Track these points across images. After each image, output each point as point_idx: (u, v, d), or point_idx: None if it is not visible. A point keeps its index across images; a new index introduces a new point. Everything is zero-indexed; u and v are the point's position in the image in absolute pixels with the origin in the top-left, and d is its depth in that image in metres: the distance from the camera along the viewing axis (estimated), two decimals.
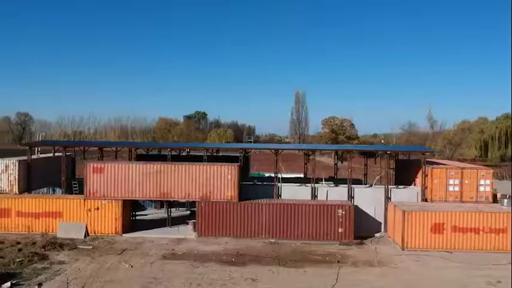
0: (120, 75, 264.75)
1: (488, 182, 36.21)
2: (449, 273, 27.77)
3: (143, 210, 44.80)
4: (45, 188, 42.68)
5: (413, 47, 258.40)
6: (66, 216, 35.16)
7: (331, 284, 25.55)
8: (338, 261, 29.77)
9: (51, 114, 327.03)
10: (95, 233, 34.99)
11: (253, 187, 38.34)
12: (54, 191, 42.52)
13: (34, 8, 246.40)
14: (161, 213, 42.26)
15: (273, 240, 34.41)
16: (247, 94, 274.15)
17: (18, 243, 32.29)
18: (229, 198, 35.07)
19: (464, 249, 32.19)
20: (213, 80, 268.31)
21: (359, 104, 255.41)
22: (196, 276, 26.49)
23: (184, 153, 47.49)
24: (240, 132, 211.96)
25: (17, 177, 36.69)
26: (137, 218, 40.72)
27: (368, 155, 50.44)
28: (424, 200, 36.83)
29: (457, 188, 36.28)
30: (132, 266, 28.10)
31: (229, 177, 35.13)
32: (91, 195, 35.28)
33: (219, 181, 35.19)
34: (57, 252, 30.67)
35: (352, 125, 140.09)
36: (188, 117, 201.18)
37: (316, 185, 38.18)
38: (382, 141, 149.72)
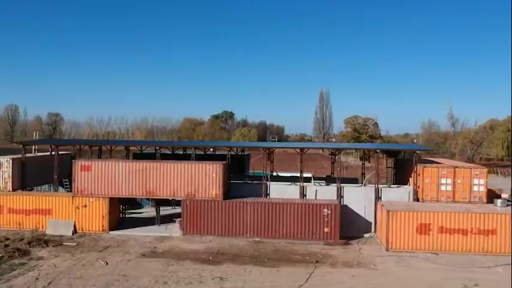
0: (150, 76, 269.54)
1: (482, 181, 34.75)
2: (427, 275, 26.78)
3: (140, 208, 45.14)
4: (46, 185, 43.64)
5: (444, 44, 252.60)
6: (55, 213, 35.75)
7: (299, 284, 25.07)
8: (316, 261, 29.19)
9: (81, 115, 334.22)
10: (82, 230, 35.45)
11: (242, 186, 38.09)
12: (54, 188, 43.27)
13: (66, 14, 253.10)
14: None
15: (257, 239, 34.07)
16: (276, 94, 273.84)
17: (7, 239, 33.04)
18: (214, 196, 34.89)
19: (451, 250, 30.97)
20: (241, 80, 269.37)
21: (390, 104, 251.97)
22: (166, 274, 26.43)
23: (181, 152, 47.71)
24: (266, 132, 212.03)
25: (10, 174, 37.47)
26: (130, 215, 41.09)
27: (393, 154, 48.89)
28: (416, 199, 35.66)
29: (449, 188, 34.97)
30: (107, 263, 28.27)
31: (214, 175, 34.95)
32: (79, 193, 35.74)
33: (203, 179, 35.05)
34: (40, 249, 31.20)
35: (376, 124, 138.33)
36: (215, 117, 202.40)
37: (305, 183, 37.53)
38: (415, 140, 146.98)
